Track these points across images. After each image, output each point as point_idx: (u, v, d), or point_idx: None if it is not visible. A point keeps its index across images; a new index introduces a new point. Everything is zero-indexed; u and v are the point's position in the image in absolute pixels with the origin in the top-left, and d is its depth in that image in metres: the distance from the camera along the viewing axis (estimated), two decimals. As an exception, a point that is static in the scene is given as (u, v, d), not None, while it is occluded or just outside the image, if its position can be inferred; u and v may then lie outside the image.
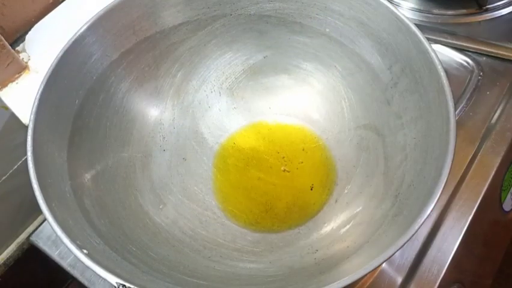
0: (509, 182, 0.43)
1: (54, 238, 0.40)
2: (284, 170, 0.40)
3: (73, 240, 0.26)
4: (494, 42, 0.47)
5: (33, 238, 0.41)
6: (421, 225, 0.25)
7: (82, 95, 0.34)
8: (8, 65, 0.40)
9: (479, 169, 0.40)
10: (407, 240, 0.25)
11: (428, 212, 0.25)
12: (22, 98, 0.39)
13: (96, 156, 0.35)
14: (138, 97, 0.39)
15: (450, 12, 0.51)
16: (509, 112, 0.43)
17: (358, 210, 0.35)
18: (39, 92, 0.31)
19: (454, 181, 0.40)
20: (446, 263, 0.37)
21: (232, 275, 0.33)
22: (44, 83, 0.31)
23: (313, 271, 0.31)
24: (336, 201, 0.37)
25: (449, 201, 0.39)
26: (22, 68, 0.41)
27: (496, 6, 0.51)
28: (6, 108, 0.35)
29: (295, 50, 0.41)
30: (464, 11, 0.51)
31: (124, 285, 0.24)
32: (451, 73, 0.46)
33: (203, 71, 0.42)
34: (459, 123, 0.43)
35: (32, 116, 0.30)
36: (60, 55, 0.32)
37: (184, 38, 0.39)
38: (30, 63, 0.42)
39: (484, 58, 0.47)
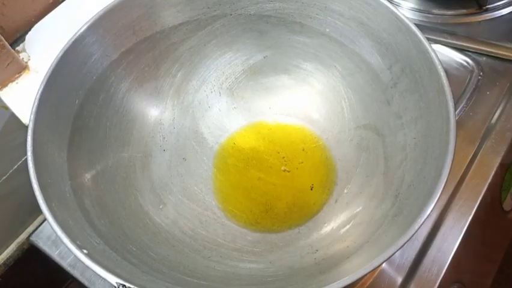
0: (509, 182, 0.43)
1: (54, 238, 0.40)
2: (284, 170, 0.40)
3: (73, 240, 0.26)
4: (494, 42, 0.47)
5: (33, 238, 0.41)
6: (421, 225, 0.25)
7: (82, 95, 0.34)
8: (8, 65, 0.40)
9: (479, 169, 0.40)
10: (407, 240, 0.25)
11: (428, 212, 0.25)
12: (22, 98, 0.39)
13: (96, 156, 0.35)
14: (138, 97, 0.39)
15: (450, 12, 0.51)
16: (509, 112, 0.43)
17: (358, 210, 0.35)
18: (39, 92, 0.31)
19: (454, 181, 0.40)
20: (446, 263, 0.37)
21: (232, 275, 0.33)
22: (44, 83, 0.31)
23: (313, 271, 0.31)
24: (336, 201, 0.37)
25: (449, 201, 0.39)
26: (22, 68, 0.41)
27: (496, 6, 0.51)
28: (6, 108, 0.35)
29: (295, 50, 0.41)
30: (464, 11, 0.51)
31: (124, 285, 0.24)
32: (451, 73, 0.46)
33: (203, 71, 0.42)
34: (459, 123, 0.43)
35: (32, 116, 0.30)
36: (60, 55, 0.32)
37: (184, 38, 0.39)
38: (30, 63, 0.42)
39: (484, 58, 0.47)
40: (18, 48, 0.43)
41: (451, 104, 0.29)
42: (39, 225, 0.41)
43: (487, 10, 0.50)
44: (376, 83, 0.36)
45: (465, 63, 0.46)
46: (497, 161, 0.41)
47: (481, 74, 0.45)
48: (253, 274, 0.33)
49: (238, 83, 0.43)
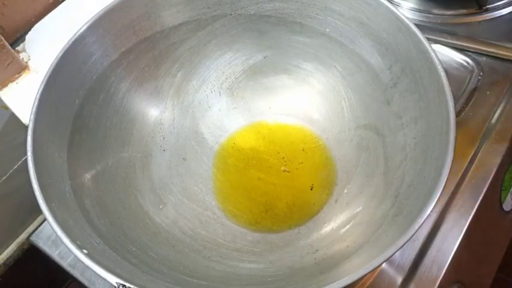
0: (509, 182, 0.43)
1: (54, 238, 0.40)
2: (284, 170, 0.40)
3: (73, 240, 0.26)
4: (494, 42, 0.47)
5: (33, 238, 0.41)
6: (421, 225, 0.25)
7: (82, 95, 0.34)
8: (8, 65, 0.40)
9: (479, 169, 0.40)
10: (407, 240, 0.25)
11: (428, 212, 0.25)
12: (22, 98, 0.39)
13: (96, 156, 0.35)
14: (138, 97, 0.39)
15: (450, 12, 0.51)
16: (509, 112, 0.43)
17: (358, 210, 0.35)
18: (39, 92, 0.31)
19: (454, 181, 0.40)
20: (446, 263, 0.37)
21: (232, 275, 0.33)
22: (44, 83, 0.31)
23: (313, 271, 0.31)
24: (336, 201, 0.37)
25: (449, 201, 0.39)
26: (22, 68, 0.41)
27: (496, 6, 0.51)
28: (6, 108, 0.35)
29: (295, 50, 0.41)
30: (464, 11, 0.51)
31: (124, 285, 0.24)
32: (451, 73, 0.46)
33: (203, 71, 0.42)
34: (459, 123, 0.43)
35: (32, 116, 0.30)
36: (60, 55, 0.32)
37: (184, 38, 0.39)
38: (30, 63, 0.42)
39: (484, 58, 0.46)
40: (18, 48, 0.43)
41: (451, 104, 0.29)
42: (39, 225, 0.41)
43: (487, 10, 0.50)
44: (376, 83, 0.36)
45: (465, 63, 0.46)
46: (497, 161, 0.41)
47: (481, 74, 0.45)
48: (253, 274, 0.33)
49: (238, 83, 0.43)
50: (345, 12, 0.36)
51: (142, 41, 0.37)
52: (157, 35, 0.38)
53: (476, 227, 0.39)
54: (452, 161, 0.27)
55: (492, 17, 0.50)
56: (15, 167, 0.38)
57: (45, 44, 0.43)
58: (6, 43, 0.39)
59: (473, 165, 0.41)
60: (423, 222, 0.25)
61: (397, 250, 0.25)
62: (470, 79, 0.45)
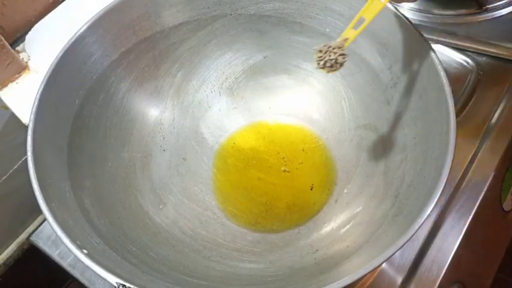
0: (509, 182, 0.43)
1: (54, 238, 0.40)
2: (284, 170, 0.40)
3: (73, 240, 0.26)
4: (494, 42, 0.47)
5: (33, 238, 0.41)
6: (421, 225, 0.25)
7: (82, 95, 0.34)
8: (8, 65, 0.40)
9: (479, 169, 0.40)
10: (407, 240, 0.25)
11: (428, 212, 0.25)
12: (22, 98, 0.39)
13: (96, 157, 0.35)
14: (138, 97, 0.39)
15: (450, 12, 0.51)
16: (509, 112, 0.43)
17: (358, 210, 0.35)
18: (39, 92, 0.31)
19: (454, 181, 0.40)
20: (446, 263, 0.37)
21: (232, 275, 0.33)
22: (44, 83, 0.31)
23: (313, 271, 0.31)
24: (336, 201, 0.37)
25: (449, 201, 0.39)
26: (22, 68, 0.41)
27: (496, 6, 0.51)
28: (6, 108, 0.35)
29: (295, 50, 0.41)
30: (464, 11, 0.50)
31: (124, 285, 0.24)
32: (451, 73, 0.46)
33: (203, 71, 0.42)
34: (459, 123, 0.42)
35: (32, 116, 0.30)
36: (60, 55, 0.32)
37: (184, 38, 0.39)
38: (30, 63, 0.42)
39: (484, 58, 0.46)
40: (18, 48, 0.43)
41: (450, 104, 0.29)
42: (39, 225, 0.41)
43: (487, 10, 0.50)
44: (376, 83, 0.36)
45: (465, 63, 0.46)
46: (497, 161, 0.41)
47: (481, 74, 0.45)
48: (253, 274, 0.33)
49: (238, 83, 0.43)
50: (345, 12, 0.36)
51: (142, 41, 0.37)
52: (157, 35, 0.38)
53: (476, 227, 0.39)
54: (452, 161, 0.27)
55: (492, 17, 0.50)
56: (15, 167, 0.38)
57: (45, 44, 0.43)
58: (6, 43, 0.39)
59: (473, 165, 0.41)
60: (423, 222, 0.25)
61: (397, 250, 0.25)
62: (470, 79, 0.45)
